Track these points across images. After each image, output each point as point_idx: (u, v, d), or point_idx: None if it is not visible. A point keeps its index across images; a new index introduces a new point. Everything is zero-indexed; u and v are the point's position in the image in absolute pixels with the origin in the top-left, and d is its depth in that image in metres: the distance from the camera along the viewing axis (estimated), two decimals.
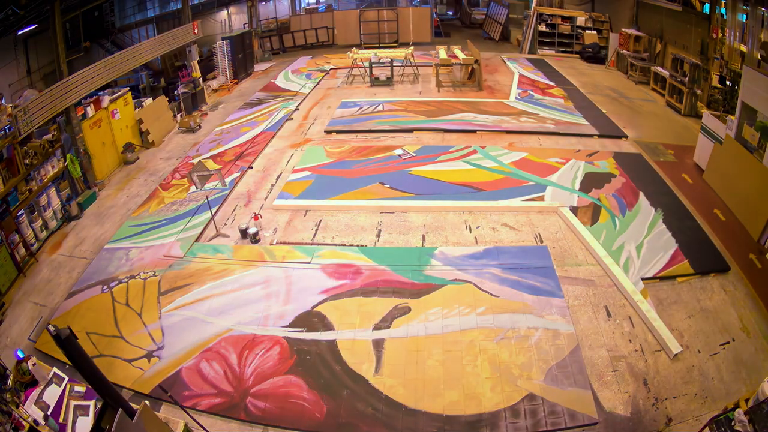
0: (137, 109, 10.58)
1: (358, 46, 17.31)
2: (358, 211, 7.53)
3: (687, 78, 10.81)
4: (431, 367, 4.90)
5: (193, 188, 8.44)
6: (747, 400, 3.49)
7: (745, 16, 9.40)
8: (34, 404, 3.92)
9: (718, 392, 4.56)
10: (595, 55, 15.95)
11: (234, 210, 7.83)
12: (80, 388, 4.32)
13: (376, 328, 5.36)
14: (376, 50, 15.00)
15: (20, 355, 4.30)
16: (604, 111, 11.22)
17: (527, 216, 7.27)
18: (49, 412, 3.91)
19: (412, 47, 15.32)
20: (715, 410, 4.23)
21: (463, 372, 4.83)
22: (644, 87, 13.23)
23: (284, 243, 6.90)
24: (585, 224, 6.91)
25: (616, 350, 5.02)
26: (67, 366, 4.54)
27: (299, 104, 12.53)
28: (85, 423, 4.07)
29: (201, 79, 13.39)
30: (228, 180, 8.59)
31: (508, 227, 7.03)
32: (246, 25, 18.11)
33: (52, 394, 4.09)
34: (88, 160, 8.79)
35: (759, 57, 8.86)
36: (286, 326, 5.43)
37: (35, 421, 3.73)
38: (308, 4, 22.68)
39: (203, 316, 5.62)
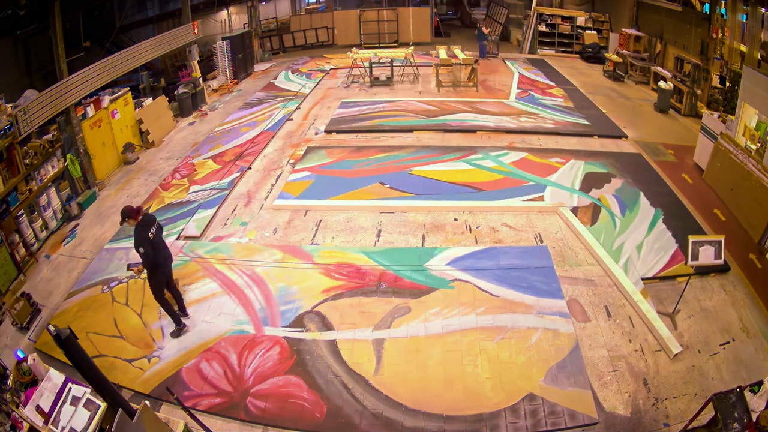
0: (137, 109, 10.57)
1: (358, 46, 17.30)
2: (359, 211, 7.54)
3: (687, 78, 10.81)
4: (431, 367, 4.90)
5: (193, 188, 8.45)
6: None
7: (745, 16, 9.40)
8: (33, 405, 3.91)
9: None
10: (595, 55, 15.95)
11: (234, 210, 7.84)
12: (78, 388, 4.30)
13: (376, 328, 5.36)
14: (376, 50, 15.00)
15: (20, 355, 4.29)
16: (604, 111, 11.22)
17: (527, 216, 7.27)
18: (47, 412, 3.89)
19: (412, 47, 15.32)
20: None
21: (463, 372, 4.83)
22: (644, 87, 13.23)
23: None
24: (585, 224, 6.91)
25: (616, 350, 5.03)
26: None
27: (299, 104, 12.53)
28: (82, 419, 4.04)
29: (201, 79, 13.38)
30: (228, 180, 8.60)
31: (508, 227, 7.03)
32: (246, 25, 18.09)
33: (50, 394, 4.07)
34: (88, 160, 8.78)
35: (759, 57, 8.86)
36: (286, 326, 5.44)
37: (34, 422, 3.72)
38: (308, 3, 22.67)
39: (203, 316, 5.63)
